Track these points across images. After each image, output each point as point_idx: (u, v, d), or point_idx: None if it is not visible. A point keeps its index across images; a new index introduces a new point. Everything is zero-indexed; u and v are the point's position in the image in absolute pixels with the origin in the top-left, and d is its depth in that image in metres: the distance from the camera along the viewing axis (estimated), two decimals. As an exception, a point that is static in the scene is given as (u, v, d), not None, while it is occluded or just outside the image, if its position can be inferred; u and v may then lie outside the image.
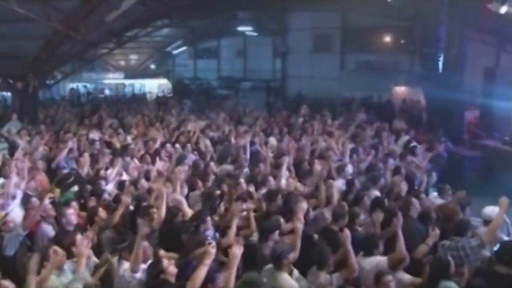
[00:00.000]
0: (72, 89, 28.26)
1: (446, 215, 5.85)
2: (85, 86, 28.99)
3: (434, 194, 7.33)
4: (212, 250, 4.00)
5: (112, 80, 30.33)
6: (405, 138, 11.27)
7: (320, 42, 26.15)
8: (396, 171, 8.13)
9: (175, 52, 38.76)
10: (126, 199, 5.94)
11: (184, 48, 39.56)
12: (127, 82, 31.02)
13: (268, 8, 26.52)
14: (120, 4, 12.15)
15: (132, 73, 31.33)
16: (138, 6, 16.82)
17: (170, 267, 4.05)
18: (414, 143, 10.67)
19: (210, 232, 5.23)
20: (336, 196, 6.30)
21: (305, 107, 14.84)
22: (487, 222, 5.72)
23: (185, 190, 6.79)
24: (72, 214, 5.35)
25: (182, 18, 21.99)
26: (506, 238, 5.74)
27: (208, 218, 5.18)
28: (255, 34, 35.67)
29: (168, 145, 9.31)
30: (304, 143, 9.44)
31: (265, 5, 24.71)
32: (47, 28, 13.13)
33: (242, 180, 6.78)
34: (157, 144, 9.55)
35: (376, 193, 7.00)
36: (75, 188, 7.23)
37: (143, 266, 4.32)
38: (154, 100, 22.59)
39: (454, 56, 11.79)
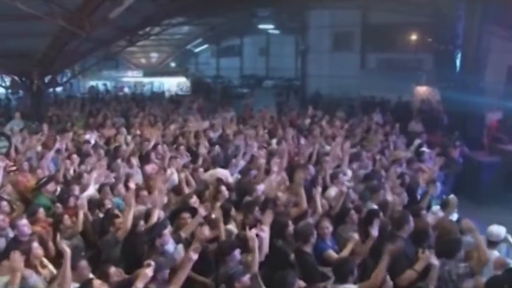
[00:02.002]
0: (92, 86, 28.48)
1: (440, 233, 5.19)
2: (104, 84, 29.11)
3: (436, 207, 6.60)
4: (148, 271, 3.58)
5: (131, 78, 30.38)
6: (416, 142, 10.56)
7: (340, 40, 25.53)
8: (399, 179, 7.51)
9: (196, 50, 38.69)
10: (82, 202, 5.56)
11: (205, 46, 39.52)
12: (147, 80, 31.02)
13: (288, 6, 25.94)
14: (123, 0, 11.88)
15: (151, 71, 31.32)
16: (149, 4, 16.66)
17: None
18: (425, 148, 9.94)
19: (170, 247, 4.78)
20: (320, 208, 5.71)
21: (311, 108, 14.15)
22: (491, 242, 5.06)
23: (164, 198, 6.34)
24: (24, 225, 4.97)
25: (199, 15, 21.59)
26: (513, 263, 5.07)
27: (165, 232, 4.71)
28: (277, 32, 35.23)
29: (160, 147, 8.89)
30: (302, 147, 8.85)
31: (285, 2, 24.15)
32: (55, 26, 13.02)
33: (223, 187, 6.30)
34: (151, 145, 9.14)
35: (373, 205, 6.37)
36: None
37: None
38: (168, 99, 22.33)
39: (472, 54, 10.91)
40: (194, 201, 5.76)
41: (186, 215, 5.22)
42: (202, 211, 5.04)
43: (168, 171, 7.90)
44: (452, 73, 11.46)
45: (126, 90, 29.18)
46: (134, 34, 18.84)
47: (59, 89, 26.29)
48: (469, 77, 11.01)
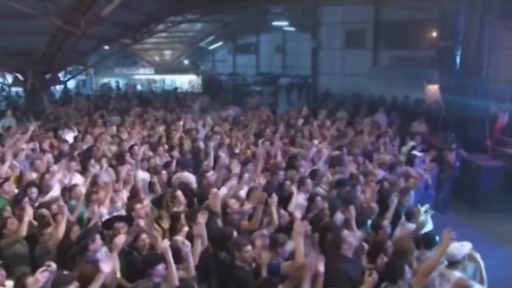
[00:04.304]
0: (104, 84, 28.68)
1: (395, 252, 4.72)
2: (117, 82, 29.26)
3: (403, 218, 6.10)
4: (39, 276, 3.35)
5: (143, 75, 30.44)
6: (410, 144, 10.00)
7: (352, 37, 24.82)
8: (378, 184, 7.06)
9: (211, 47, 38.47)
10: (28, 208, 5.34)
11: (220, 43, 39.25)
12: (161, 77, 31.04)
13: (301, 2, 25.43)
14: (114, -3, 11.73)
15: (162, 68, 31.30)
16: (151, 1, 16.52)
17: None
18: (418, 150, 9.38)
19: (101, 255, 4.50)
20: (276, 218, 5.31)
21: (306, 108, 13.67)
22: (452, 263, 4.58)
23: (118, 204, 6.09)
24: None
25: (204, 12, 21.29)
26: (477, 285, 4.56)
27: (96, 239, 4.43)
28: (293, 29, 34.62)
29: (136, 147, 8.63)
30: (275, 149, 8.44)
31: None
32: (53, 24, 12.97)
33: (179, 193, 5.99)
34: (128, 146, 8.91)
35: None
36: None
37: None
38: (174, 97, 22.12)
39: (473, 50, 10.18)
40: (140, 207, 5.46)
41: (120, 225, 4.93)
42: (141, 222, 4.78)
43: (140, 173, 7.70)
44: (452, 71, 10.82)
45: (139, 87, 29.25)
46: (138, 32, 18.73)
47: (71, 86, 26.71)
48: (469, 75, 10.32)
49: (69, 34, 13.48)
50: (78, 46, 14.99)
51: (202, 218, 4.57)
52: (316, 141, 8.33)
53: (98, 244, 4.47)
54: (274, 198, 5.36)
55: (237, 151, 9.08)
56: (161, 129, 11.27)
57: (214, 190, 5.85)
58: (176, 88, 27.64)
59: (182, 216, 5.39)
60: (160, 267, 4.05)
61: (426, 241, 5.16)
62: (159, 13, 17.82)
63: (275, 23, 30.95)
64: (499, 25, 10.85)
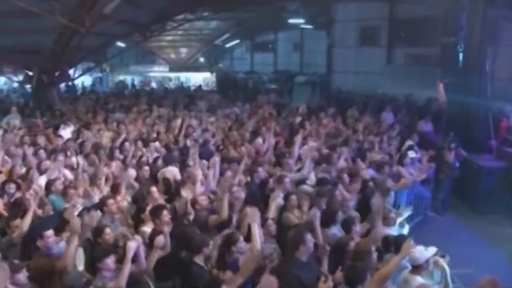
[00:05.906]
0: (120, 81, 29.06)
1: (354, 255, 4.56)
2: (132, 79, 29.61)
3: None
4: None
5: (158, 73, 30.68)
6: (407, 143, 9.76)
7: (366, 34, 24.34)
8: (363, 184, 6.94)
9: (227, 45, 38.43)
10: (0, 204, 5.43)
11: (237, 41, 39.19)
12: (175, 75, 31.23)
13: (315, -1, 25.18)
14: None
15: (176, 66, 31.47)
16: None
17: None
18: (414, 151, 9.13)
19: (58, 249, 4.51)
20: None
21: (304, 106, 13.51)
22: (415, 267, 4.41)
23: (96, 198, 6.12)
24: None
25: (217, 9, 21.24)
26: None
27: (48, 233, 4.43)
28: (310, 27, 34.29)
29: (127, 144, 8.69)
30: (259, 145, 8.35)
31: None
32: (60, 22, 13.16)
33: (154, 189, 5.98)
34: (119, 142, 8.99)
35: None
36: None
37: None
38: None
39: (476, 45, 9.79)
40: (112, 202, 5.47)
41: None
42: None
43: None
44: (455, 68, 10.48)
45: (153, 85, 29.54)
46: (148, 29, 18.85)
47: (88, 83, 27.18)
48: (471, 72, 9.95)
49: (75, 32, 13.64)
50: (86, 43, 15.16)
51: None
52: (296, 138, 8.21)
53: (49, 240, 4.46)
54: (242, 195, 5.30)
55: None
56: (161, 126, 11.32)
57: (188, 185, 5.84)
58: (200, 86, 27.49)
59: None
60: (109, 261, 4.00)
61: (397, 245, 4.93)
62: (168, 10, 17.88)
63: (291, 21, 30.74)
64: (505, 21, 10.45)
